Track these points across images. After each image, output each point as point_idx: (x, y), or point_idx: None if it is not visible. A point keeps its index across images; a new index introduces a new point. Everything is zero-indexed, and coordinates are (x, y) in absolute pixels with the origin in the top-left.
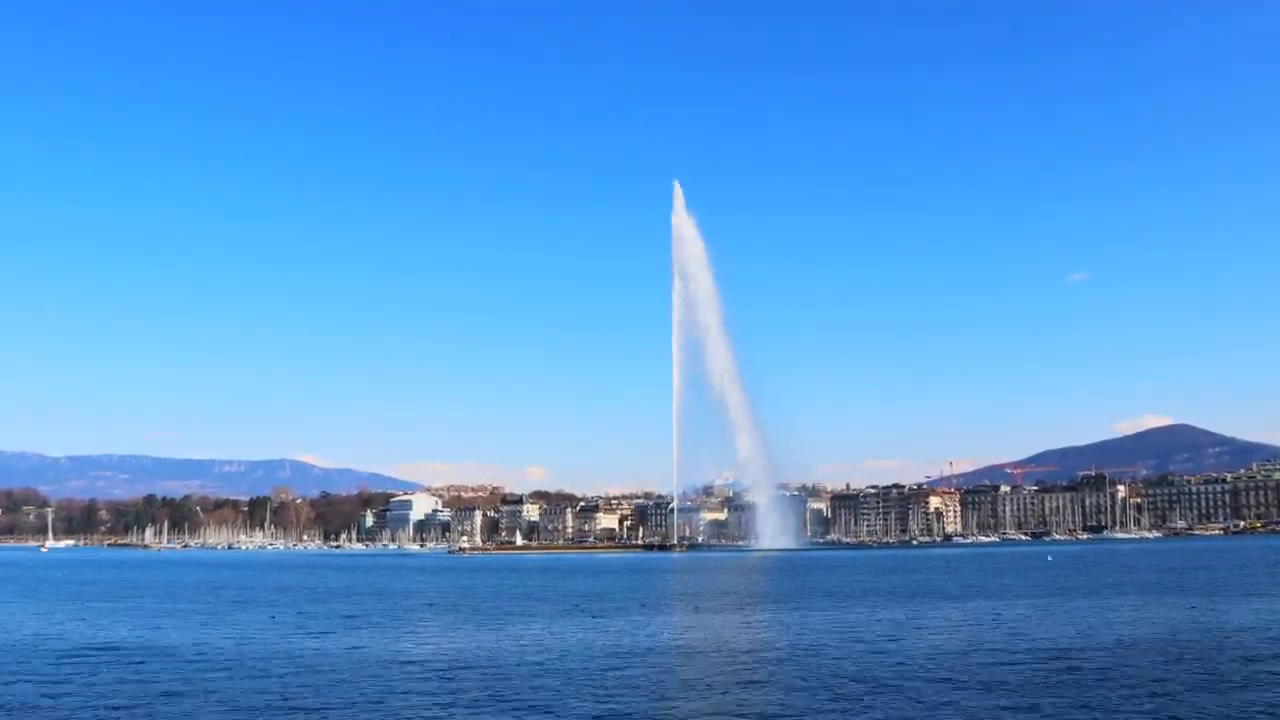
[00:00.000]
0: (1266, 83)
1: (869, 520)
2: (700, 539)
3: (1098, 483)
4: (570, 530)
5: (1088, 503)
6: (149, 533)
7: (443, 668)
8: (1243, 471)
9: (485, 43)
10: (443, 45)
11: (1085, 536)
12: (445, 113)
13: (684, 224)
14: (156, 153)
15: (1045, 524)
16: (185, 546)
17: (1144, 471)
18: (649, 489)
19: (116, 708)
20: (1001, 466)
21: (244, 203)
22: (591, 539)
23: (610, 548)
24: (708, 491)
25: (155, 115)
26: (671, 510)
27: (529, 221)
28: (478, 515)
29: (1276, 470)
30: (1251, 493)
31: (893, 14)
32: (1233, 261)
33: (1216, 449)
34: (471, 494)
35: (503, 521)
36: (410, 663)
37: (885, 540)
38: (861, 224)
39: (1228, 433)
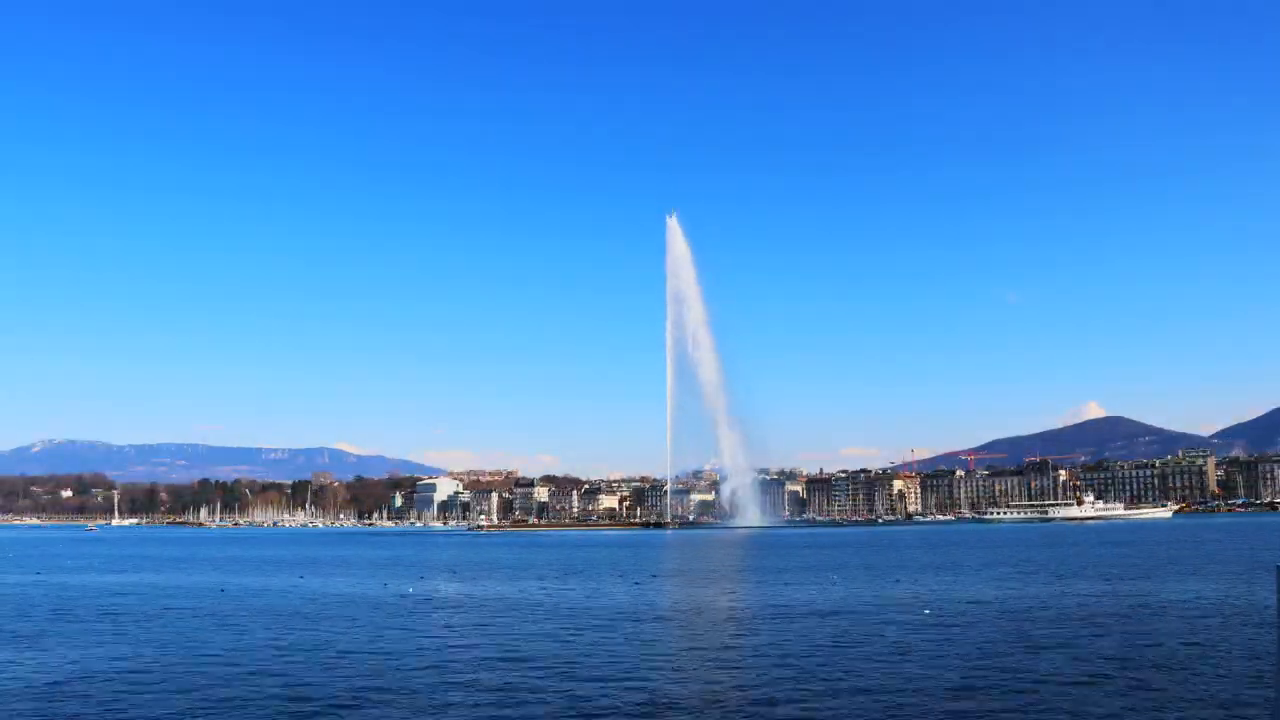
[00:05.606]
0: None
1: (840, 501)
2: (690, 517)
3: (1041, 467)
4: (576, 510)
5: (1033, 485)
6: (204, 512)
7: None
8: (1170, 458)
9: (499, 48)
10: (474, 50)
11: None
12: (491, 116)
13: (677, 247)
14: (223, 161)
15: (995, 504)
16: (235, 524)
17: (1083, 458)
18: (645, 473)
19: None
20: (957, 454)
21: (286, 216)
22: (594, 518)
23: (611, 525)
24: (697, 476)
25: (207, 118)
26: (665, 492)
27: (543, 241)
28: (494, 496)
29: (1199, 458)
30: (1177, 476)
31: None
32: (1172, 277)
33: (1147, 438)
34: (489, 478)
35: (516, 502)
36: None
37: (854, 519)
38: (842, 236)
39: (1157, 424)
